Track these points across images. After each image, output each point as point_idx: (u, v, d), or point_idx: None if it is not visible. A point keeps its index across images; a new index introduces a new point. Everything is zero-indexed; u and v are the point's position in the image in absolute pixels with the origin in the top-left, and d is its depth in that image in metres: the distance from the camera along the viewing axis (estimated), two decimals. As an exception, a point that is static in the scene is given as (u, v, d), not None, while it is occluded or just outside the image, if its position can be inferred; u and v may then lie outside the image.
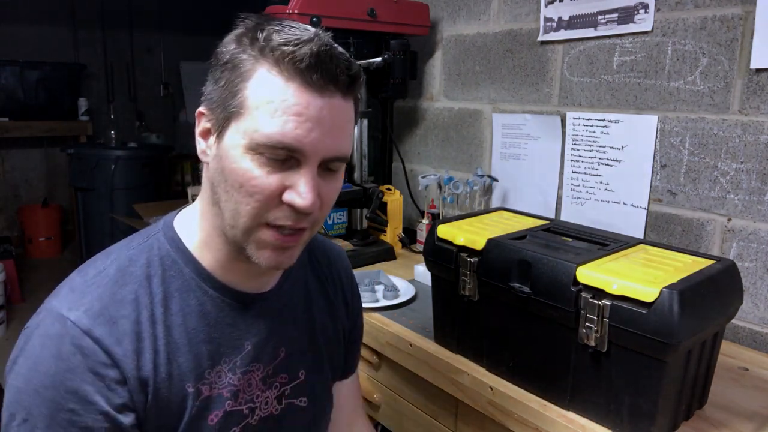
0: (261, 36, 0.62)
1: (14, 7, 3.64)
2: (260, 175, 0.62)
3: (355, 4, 1.61)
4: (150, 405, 0.65)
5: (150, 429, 0.66)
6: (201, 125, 0.68)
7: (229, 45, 0.65)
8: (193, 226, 0.72)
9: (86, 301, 0.64)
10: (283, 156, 0.62)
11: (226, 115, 0.64)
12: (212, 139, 0.66)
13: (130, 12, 4.11)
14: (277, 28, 0.63)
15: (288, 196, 0.63)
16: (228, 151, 0.63)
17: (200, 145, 0.68)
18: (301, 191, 0.62)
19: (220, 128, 0.65)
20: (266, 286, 0.76)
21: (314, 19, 1.47)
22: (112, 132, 3.73)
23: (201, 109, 0.67)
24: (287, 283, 0.79)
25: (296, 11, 1.47)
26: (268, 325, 0.75)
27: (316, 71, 0.61)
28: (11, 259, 3.10)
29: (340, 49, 0.65)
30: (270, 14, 0.66)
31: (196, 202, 0.74)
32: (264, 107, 0.61)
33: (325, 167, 0.66)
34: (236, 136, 0.63)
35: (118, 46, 4.13)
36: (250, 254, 0.66)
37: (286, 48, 0.61)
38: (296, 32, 0.63)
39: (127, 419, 0.63)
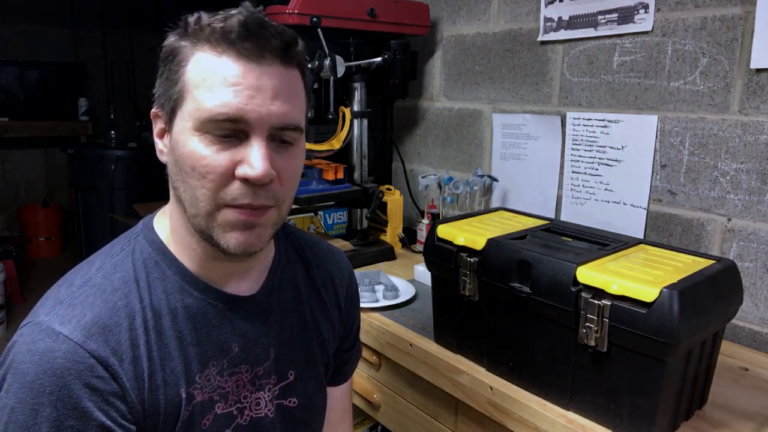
0: (191, 21, 0.63)
1: (14, 7, 3.64)
2: (209, 154, 0.61)
3: (355, 4, 1.61)
4: (148, 413, 0.64)
5: None
6: (157, 126, 0.68)
7: (167, 41, 0.65)
8: (167, 227, 0.71)
9: (77, 312, 0.63)
10: (229, 130, 0.61)
11: (172, 106, 0.64)
12: (167, 136, 0.66)
13: (130, 12, 4.11)
14: (208, 14, 0.63)
15: (240, 170, 0.62)
16: (177, 138, 0.63)
17: (158, 146, 0.68)
18: (252, 162, 0.61)
19: (169, 121, 0.65)
20: (252, 288, 0.75)
21: (314, 19, 1.47)
22: (112, 132, 3.73)
23: (154, 109, 0.67)
24: (273, 284, 0.78)
25: (296, 11, 1.47)
26: (256, 327, 0.74)
27: (248, 39, 0.60)
28: (11, 259, 3.10)
29: (272, 22, 0.65)
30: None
31: (168, 204, 0.73)
32: (202, 85, 0.61)
33: (278, 139, 0.64)
34: (182, 122, 0.63)
35: (118, 46, 4.13)
36: (218, 240, 0.64)
37: (215, 24, 0.61)
38: (224, 11, 0.63)
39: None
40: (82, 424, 0.59)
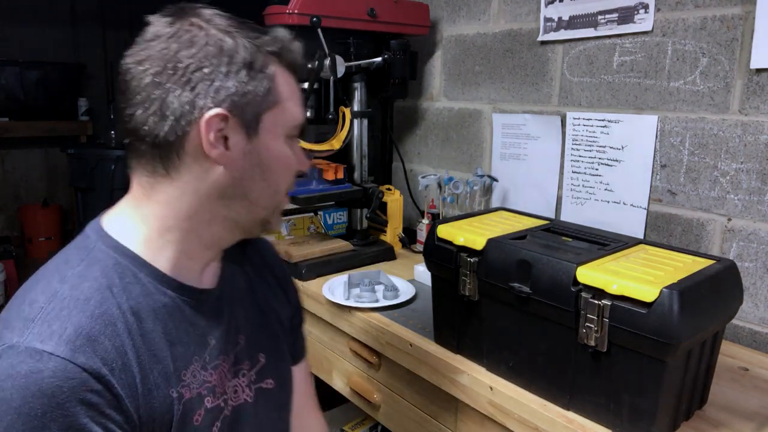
0: (268, 37, 0.70)
1: (14, 7, 3.64)
2: (292, 155, 0.75)
3: (355, 4, 1.61)
4: (143, 419, 0.63)
5: None
6: (215, 129, 0.65)
7: (233, 41, 0.66)
8: (137, 230, 0.69)
9: (56, 327, 0.59)
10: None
11: (258, 112, 0.68)
12: (237, 138, 0.67)
13: (130, 12, 4.11)
14: (261, 28, 0.72)
15: (302, 167, 0.77)
16: (270, 143, 0.70)
17: (215, 149, 0.66)
18: (304, 159, 0.78)
19: (248, 126, 0.68)
20: (212, 280, 0.77)
21: (314, 19, 1.47)
22: (112, 132, 3.72)
23: (221, 111, 0.64)
24: (227, 275, 0.80)
25: (296, 11, 1.47)
26: (225, 317, 0.77)
27: (301, 64, 0.75)
28: (11, 259, 3.10)
29: None
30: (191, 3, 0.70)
31: (126, 206, 0.72)
32: (292, 99, 0.72)
33: None
34: (275, 128, 0.70)
35: (118, 46, 4.12)
36: (273, 223, 0.77)
37: (290, 46, 0.72)
38: (264, 29, 0.72)
39: None
40: None
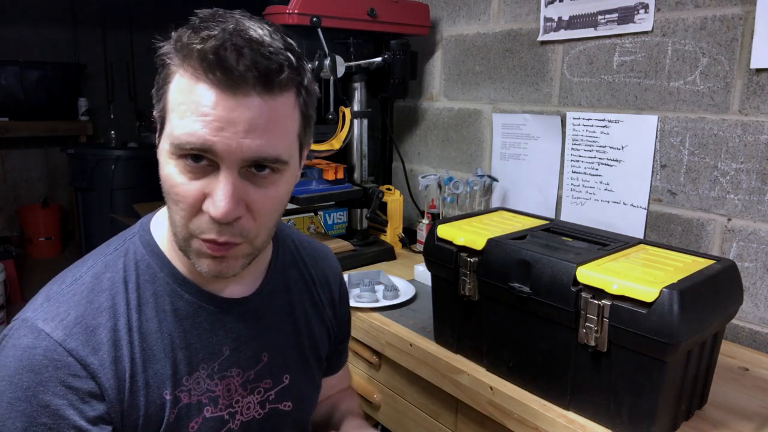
0: (183, 34, 0.59)
1: (14, 7, 3.64)
2: (182, 182, 0.59)
3: (355, 4, 1.61)
4: (127, 414, 0.64)
5: None
6: (157, 132, 0.65)
7: (162, 49, 0.61)
8: (165, 229, 0.70)
9: (62, 311, 0.63)
10: (198, 159, 0.58)
11: (160, 119, 0.62)
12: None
13: (130, 12, 4.11)
14: (201, 24, 0.58)
15: (205, 205, 0.59)
16: (160, 157, 0.62)
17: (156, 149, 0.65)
18: (215, 199, 0.58)
19: (158, 132, 0.63)
20: (246, 290, 0.74)
21: (314, 19, 1.47)
22: (112, 132, 3.73)
23: (154, 112, 0.64)
24: (268, 287, 0.77)
25: (296, 11, 1.47)
26: (249, 330, 0.74)
27: (219, 69, 0.55)
28: (11, 259, 3.10)
29: (264, 39, 0.58)
30: (217, 9, 0.61)
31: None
32: (177, 110, 0.58)
33: (254, 171, 0.60)
34: (164, 140, 0.61)
35: (118, 46, 4.13)
36: (193, 261, 0.64)
37: (193, 46, 0.57)
38: (212, 26, 0.58)
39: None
40: (54, 422, 0.60)
